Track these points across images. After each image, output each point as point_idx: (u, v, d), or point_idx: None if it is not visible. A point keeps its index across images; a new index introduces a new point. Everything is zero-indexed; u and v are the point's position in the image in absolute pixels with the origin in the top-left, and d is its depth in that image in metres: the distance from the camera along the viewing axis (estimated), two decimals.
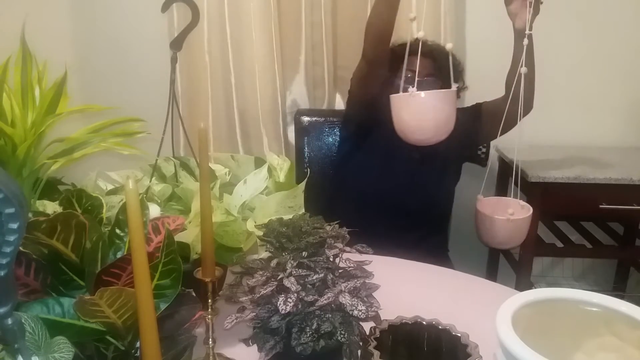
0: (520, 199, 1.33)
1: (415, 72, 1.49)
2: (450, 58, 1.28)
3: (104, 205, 0.79)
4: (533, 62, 1.38)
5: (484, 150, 1.81)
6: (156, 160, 1.07)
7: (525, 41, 1.22)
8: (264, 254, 0.79)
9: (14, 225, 0.44)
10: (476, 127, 1.62)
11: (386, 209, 1.59)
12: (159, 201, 0.97)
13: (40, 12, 1.89)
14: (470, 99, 1.67)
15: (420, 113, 1.21)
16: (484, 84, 1.96)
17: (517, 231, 1.29)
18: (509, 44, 1.78)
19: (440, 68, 1.56)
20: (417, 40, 1.28)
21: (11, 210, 0.43)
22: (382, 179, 1.60)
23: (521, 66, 1.24)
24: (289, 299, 0.66)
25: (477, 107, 1.64)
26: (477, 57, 2.02)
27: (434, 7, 1.89)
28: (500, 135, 1.56)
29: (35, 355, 0.52)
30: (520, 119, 1.32)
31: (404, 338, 0.73)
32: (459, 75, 1.64)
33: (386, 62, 1.50)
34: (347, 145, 1.72)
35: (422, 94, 1.19)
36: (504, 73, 2.01)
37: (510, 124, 1.48)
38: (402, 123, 1.24)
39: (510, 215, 1.25)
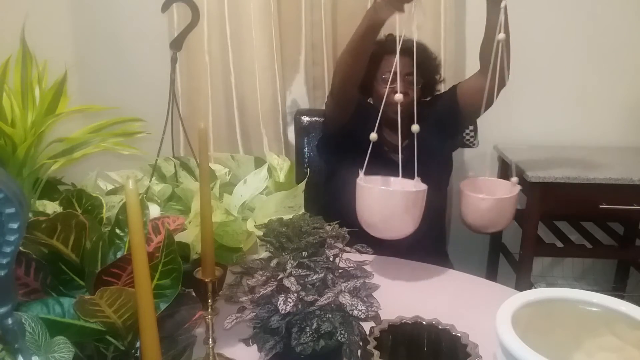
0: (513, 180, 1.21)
1: (393, 72, 1.50)
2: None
3: (104, 205, 0.79)
4: (508, 29, 1.27)
5: (470, 132, 1.75)
6: (156, 160, 1.07)
7: (503, 3, 1.13)
8: (264, 254, 0.79)
9: (14, 225, 0.44)
10: (456, 111, 1.56)
11: None
12: (159, 201, 0.97)
13: (40, 12, 1.89)
14: None
15: (387, 209, 1.09)
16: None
17: (497, 212, 1.17)
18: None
19: (419, 64, 1.56)
20: (390, 36, 1.25)
21: (11, 210, 0.43)
22: None
23: (499, 32, 1.14)
24: (289, 299, 0.66)
25: (453, 91, 1.59)
26: (477, 57, 2.01)
27: (434, 7, 1.89)
28: (482, 112, 1.48)
29: (35, 355, 0.52)
30: (497, 94, 1.25)
31: (404, 338, 0.73)
32: (436, 68, 1.64)
33: (354, 100, 1.49)
34: (330, 165, 1.73)
35: (391, 191, 1.09)
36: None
37: (490, 98, 1.45)
38: (366, 216, 1.12)
39: (489, 195, 1.16)
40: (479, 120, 1.92)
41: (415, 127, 1.16)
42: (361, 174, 1.15)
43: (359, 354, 0.71)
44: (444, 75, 1.70)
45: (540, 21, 2.01)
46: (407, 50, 1.54)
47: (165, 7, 1.15)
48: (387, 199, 1.08)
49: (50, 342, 0.54)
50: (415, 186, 1.14)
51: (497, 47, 1.15)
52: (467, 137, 1.74)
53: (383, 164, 1.58)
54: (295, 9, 1.92)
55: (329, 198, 1.70)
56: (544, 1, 2.00)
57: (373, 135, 1.17)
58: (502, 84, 1.35)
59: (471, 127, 1.72)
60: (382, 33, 1.48)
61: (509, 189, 1.20)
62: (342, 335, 0.68)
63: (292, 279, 0.68)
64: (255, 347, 0.73)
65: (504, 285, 1.15)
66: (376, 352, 0.65)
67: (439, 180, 1.68)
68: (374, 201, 1.09)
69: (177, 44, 1.13)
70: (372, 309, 0.70)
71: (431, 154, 1.59)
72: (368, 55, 1.40)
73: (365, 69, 1.44)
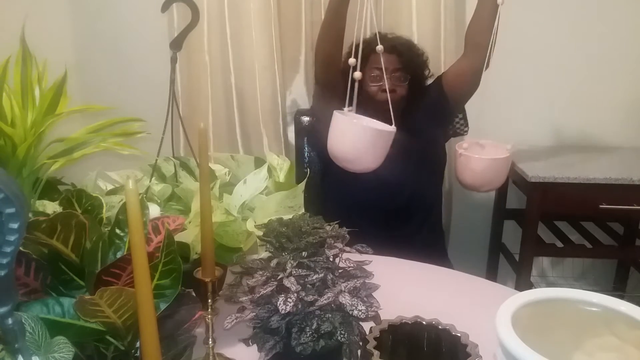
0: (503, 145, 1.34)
1: (380, 69, 1.51)
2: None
3: (104, 205, 0.79)
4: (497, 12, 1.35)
5: (460, 120, 1.76)
6: (156, 160, 1.07)
7: None
8: (264, 254, 0.80)
9: (15, 225, 0.44)
10: (443, 100, 1.59)
11: (375, 211, 1.59)
12: (159, 201, 0.97)
13: (40, 12, 1.89)
14: (472, 99, 1.67)
15: (359, 142, 1.19)
16: (484, 83, 1.97)
17: (493, 172, 1.30)
18: (508, 44, 1.79)
19: (406, 61, 1.57)
20: (376, 35, 1.28)
21: (12, 210, 0.43)
22: (362, 185, 1.57)
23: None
24: (289, 299, 0.66)
25: (438, 80, 1.62)
26: None
27: (434, 7, 1.89)
28: (469, 96, 1.52)
29: (35, 355, 0.52)
30: (481, 73, 1.33)
31: (404, 338, 0.73)
32: (424, 64, 1.65)
33: (339, 83, 1.51)
34: (322, 159, 1.75)
35: (364, 122, 1.19)
36: (503, 72, 2.03)
37: (475, 80, 1.46)
38: (336, 145, 1.22)
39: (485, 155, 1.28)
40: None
41: (379, 47, 1.24)
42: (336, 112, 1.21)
43: (359, 354, 0.71)
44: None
45: (540, 21, 2.01)
46: (394, 47, 1.55)
47: (165, 7, 1.15)
48: (359, 133, 1.19)
49: (50, 342, 0.54)
50: (385, 127, 1.23)
51: (485, 28, 1.27)
52: (458, 126, 1.75)
53: None
54: (295, 9, 1.92)
55: (325, 196, 1.71)
56: (544, 1, 2.00)
57: (357, 74, 1.19)
58: (484, 64, 1.41)
59: (460, 116, 1.73)
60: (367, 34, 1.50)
61: (503, 150, 1.31)
62: (342, 335, 0.68)
63: (292, 279, 0.68)
64: (255, 347, 0.73)
65: (504, 285, 1.15)
66: (376, 352, 0.65)
67: (433, 172, 1.68)
68: (347, 132, 1.19)
69: (177, 44, 1.13)
70: (372, 309, 0.70)
71: (424, 144, 1.59)
72: (343, 28, 1.41)
73: (342, 45, 1.45)
